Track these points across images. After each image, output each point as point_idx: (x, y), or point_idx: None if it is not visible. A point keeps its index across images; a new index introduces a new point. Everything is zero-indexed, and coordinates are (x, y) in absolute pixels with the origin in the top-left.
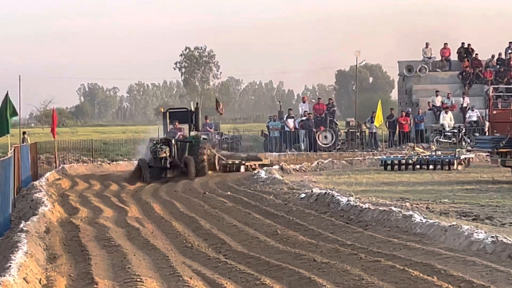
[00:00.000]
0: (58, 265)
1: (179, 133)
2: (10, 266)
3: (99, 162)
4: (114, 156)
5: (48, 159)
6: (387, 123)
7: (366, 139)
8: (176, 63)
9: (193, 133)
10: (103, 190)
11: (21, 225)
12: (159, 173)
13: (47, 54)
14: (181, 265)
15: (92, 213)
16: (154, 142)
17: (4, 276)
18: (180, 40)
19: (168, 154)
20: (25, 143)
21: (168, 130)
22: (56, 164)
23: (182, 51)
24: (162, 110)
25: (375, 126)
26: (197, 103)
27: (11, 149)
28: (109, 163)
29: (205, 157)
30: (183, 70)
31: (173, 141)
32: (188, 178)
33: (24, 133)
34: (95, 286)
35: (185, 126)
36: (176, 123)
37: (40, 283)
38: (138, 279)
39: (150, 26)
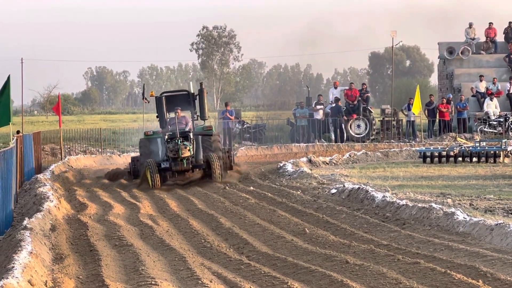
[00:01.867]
0: (65, 266)
1: (184, 124)
2: (13, 267)
3: (108, 154)
4: (124, 147)
5: (53, 150)
6: (426, 110)
7: (403, 129)
8: (192, 44)
9: (197, 122)
10: (113, 184)
11: (25, 222)
12: (173, 176)
13: (51, 35)
14: (200, 267)
15: (102, 209)
16: (168, 136)
17: (7, 278)
18: (197, 19)
19: (193, 152)
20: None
21: (167, 119)
22: (61, 155)
23: (199, 31)
24: (153, 95)
25: (413, 114)
26: (201, 83)
27: (13, 139)
28: (119, 155)
29: (224, 154)
30: (200, 51)
31: (191, 135)
32: (211, 180)
33: (18, 132)
34: None
35: (187, 114)
36: (179, 111)
37: (46, 286)
38: (153, 282)
39: (163, 3)
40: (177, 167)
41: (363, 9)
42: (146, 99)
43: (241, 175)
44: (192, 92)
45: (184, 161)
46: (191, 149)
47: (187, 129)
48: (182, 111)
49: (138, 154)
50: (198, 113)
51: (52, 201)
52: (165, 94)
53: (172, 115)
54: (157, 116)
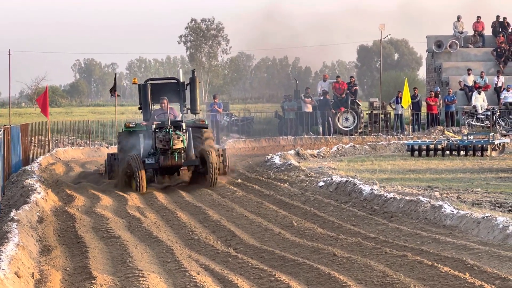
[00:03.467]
0: (52, 258)
1: (172, 117)
2: (0, 259)
3: (96, 146)
4: (112, 139)
5: (41, 142)
6: (411, 104)
7: (391, 122)
8: (180, 37)
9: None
10: (101, 176)
11: (12, 214)
12: (158, 174)
13: (39, 27)
14: (187, 259)
15: (89, 201)
16: (156, 126)
17: None
18: (185, 11)
19: (186, 144)
20: None
21: (151, 111)
22: (49, 147)
23: (188, 24)
24: (136, 82)
25: (402, 107)
26: (193, 71)
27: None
28: (107, 147)
29: (218, 156)
30: (189, 44)
31: (183, 125)
32: (203, 183)
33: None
34: (93, 281)
35: (175, 106)
36: (165, 101)
37: (33, 278)
38: (140, 274)
39: None
40: (167, 161)
41: (352, 2)
42: (113, 92)
43: (234, 179)
44: (182, 81)
45: (176, 154)
46: (185, 140)
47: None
48: (169, 102)
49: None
50: (188, 106)
51: (40, 193)
52: (150, 82)
53: (158, 106)
54: (139, 107)
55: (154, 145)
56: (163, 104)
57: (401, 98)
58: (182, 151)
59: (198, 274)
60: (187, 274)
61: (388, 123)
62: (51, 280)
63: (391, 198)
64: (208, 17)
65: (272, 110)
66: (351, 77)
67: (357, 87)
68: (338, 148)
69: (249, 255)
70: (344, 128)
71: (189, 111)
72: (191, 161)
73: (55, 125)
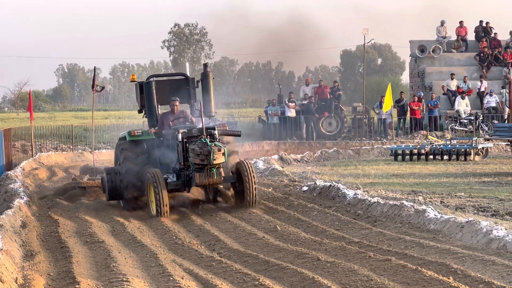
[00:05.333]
0: (35, 263)
1: (182, 120)
2: None
3: (79, 151)
4: (96, 144)
5: (24, 147)
6: (397, 108)
7: (375, 127)
8: (164, 42)
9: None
10: (83, 190)
11: None
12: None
13: (22, 32)
14: (171, 264)
15: (73, 206)
16: (182, 135)
17: None
18: (169, 16)
19: (225, 158)
20: None
21: (157, 115)
22: (32, 152)
23: (171, 28)
24: (135, 79)
25: (383, 112)
26: (205, 64)
27: None
28: (90, 152)
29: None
30: (172, 49)
31: (216, 133)
32: (240, 205)
33: None
34: (76, 286)
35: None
36: (176, 103)
37: (17, 283)
38: (124, 279)
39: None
40: (204, 179)
41: (335, 7)
42: (97, 87)
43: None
44: (192, 77)
45: (214, 170)
46: (226, 153)
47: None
48: (179, 103)
49: (108, 163)
50: (197, 106)
51: (23, 198)
52: (155, 79)
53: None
54: (139, 110)
55: (180, 159)
56: (175, 107)
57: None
58: (221, 166)
59: (182, 278)
60: (171, 278)
61: (372, 127)
62: (34, 285)
63: (374, 202)
64: (191, 22)
65: (256, 115)
66: (335, 81)
67: (340, 92)
68: (321, 153)
69: (233, 259)
70: (327, 133)
71: (201, 113)
72: (229, 177)
73: (38, 130)
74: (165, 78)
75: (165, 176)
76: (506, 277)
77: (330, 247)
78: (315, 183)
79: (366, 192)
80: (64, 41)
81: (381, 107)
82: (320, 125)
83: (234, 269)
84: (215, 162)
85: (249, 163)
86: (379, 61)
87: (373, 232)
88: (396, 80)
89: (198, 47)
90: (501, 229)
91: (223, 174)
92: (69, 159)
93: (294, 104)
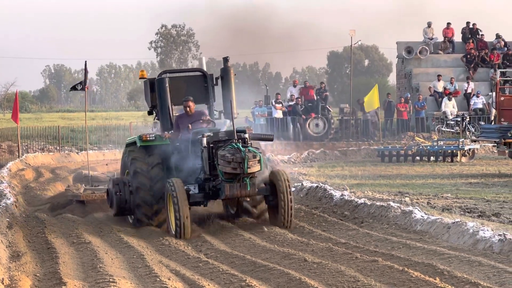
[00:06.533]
0: (22, 263)
1: (201, 121)
2: None
3: (66, 152)
4: (82, 145)
5: (10, 148)
6: (384, 109)
7: (362, 127)
8: (151, 43)
9: (219, 121)
10: (71, 181)
11: None
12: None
13: (8, 32)
14: (158, 265)
15: (50, 197)
16: (207, 139)
17: None
18: (156, 17)
19: (261, 167)
20: None
21: (172, 115)
22: (19, 153)
23: (158, 29)
24: (145, 75)
25: (366, 112)
26: (226, 59)
27: None
28: (77, 153)
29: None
30: (159, 50)
31: (247, 136)
32: (276, 223)
33: None
34: (63, 287)
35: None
36: (189, 103)
37: (3, 284)
38: (111, 280)
39: (122, 1)
40: (235, 191)
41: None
42: (82, 85)
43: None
44: (211, 73)
45: (247, 180)
46: (262, 160)
47: (224, 129)
48: (194, 103)
49: (114, 172)
50: (215, 107)
51: (9, 198)
52: (168, 75)
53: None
54: (149, 112)
55: (205, 167)
56: (187, 108)
57: (363, 104)
58: (256, 176)
59: (169, 279)
60: (158, 279)
61: (359, 128)
62: (21, 286)
63: (361, 203)
64: (179, 23)
65: (243, 116)
66: (321, 83)
67: (327, 93)
68: (308, 154)
69: (219, 260)
70: (314, 134)
71: (222, 115)
72: (262, 189)
73: (25, 130)
74: (179, 74)
75: (186, 187)
76: (492, 278)
77: (317, 248)
78: (302, 184)
79: (353, 193)
80: (51, 42)
81: (361, 109)
82: (307, 126)
83: (220, 270)
84: (249, 170)
85: (286, 173)
86: (366, 62)
87: (360, 233)
88: (383, 81)
89: (185, 48)
90: (488, 230)
91: (256, 189)
92: (56, 160)
93: (281, 105)
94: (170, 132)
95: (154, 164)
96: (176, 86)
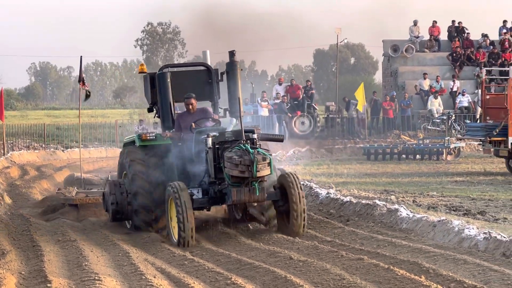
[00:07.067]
0: (7, 261)
1: (205, 120)
2: None
3: (52, 149)
4: (68, 143)
5: None
6: (370, 107)
7: (348, 126)
8: (137, 40)
9: (225, 120)
10: (57, 179)
11: None
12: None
13: None
14: (144, 263)
15: (45, 205)
16: (213, 140)
17: None
18: (142, 15)
19: (271, 170)
20: None
21: (173, 113)
22: (4, 151)
23: (144, 27)
24: (145, 70)
25: (357, 111)
26: (232, 52)
27: None
28: (63, 150)
29: None
30: (145, 48)
31: (256, 137)
32: (288, 231)
33: None
34: (48, 285)
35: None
36: (192, 101)
37: None
38: (96, 278)
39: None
40: (243, 196)
41: (308, 6)
42: (83, 84)
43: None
44: (215, 68)
45: (256, 185)
46: (272, 163)
47: (230, 129)
48: (196, 101)
49: (110, 175)
50: (219, 104)
51: None
52: (170, 70)
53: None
54: (149, 109)
55: (210, 170)
56: (190, 106)
57: (349, 102)
58: (265, 180)
59: (155, 277)
60: (143, 277)
61: (345, 127)
62: (6, 284)
63: (347, 201)
64: (164, 21)
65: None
66: (307, 81)
67: (313, 91)
68: (294, 152)
69: (205, 258)
70: (300, 132)
71: (227, 112)
72: (271, 194)
73: (10, 128)
74: (182, 69)
75: (189, 191)
76: (477, 276)
77: (303, 246)
78: None
79: (338, 191)
80: (37, 40)
81: (347, 108)
82: (293, 124)
83: (206, 268)
84: (258, 174)
85: (297, 177)
86: (352, 60)
87: (346, 231)
88: (369, 79)
89: (171, 45)
90: (473, 228)
91: (266, 194)
92: (41, 157)
93: (267, 103)
94: (171, 131)
95: (154, 167)
96: (178, 81)
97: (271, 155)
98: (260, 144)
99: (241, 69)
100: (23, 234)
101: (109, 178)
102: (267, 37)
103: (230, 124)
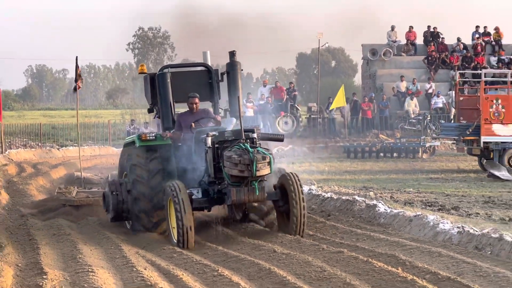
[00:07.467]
0: (4, 254)
1: (206, 120)
2: None
3: (48, 148)
4: (63, 141)
5: None
6: (350, 108)
7: (329, 125)
8: (128, 44)
9: (225, 120)
10: (52, 176)
11: None
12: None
13: None
14: (135, 255)
15: (42, 200)
16: (212, 139)
17: None
18: (133, 20)
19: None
20: None
21: (173, 114)
22: (2, 149)
23: (135, 32)
24: (145, 70)
25: (331, 111)
26: (232, 53)
27: None
28: (58, 149)
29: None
30: (136, 51)
31: (256, 136)
32: (286, 230)
33: None
34: (44, 276)
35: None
36: (196, 100)
37: None
38: (90, 269)
39: (101, 4)
40: (242, 196)
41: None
42: (80, 80)
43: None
44: (216, 68)
45: (256, 184)
46: (272, 162)
47: (229, 129)
48: (199, 100)
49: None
50: (220, 105)
51: None
52: (171, 70)
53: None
54: (149, 109)
55: (210, 170)
56: (193, 105)
57: (331, 103)
58: (265, 180)
59: (145, 269)
60: (134, 269)
61: (326, 126)
62: (3, 275)
63: (328, 197)
64: (155, 26)
65: None
66: (290, 83)
67: (296, 93)
68: (278, 150)
69: (193, 251)
70: (283, 131)
71: (227, 113)
72: (271, 194)
73: (8, 127)
74: (182, 69)
75: (188, 191)
76: (451, 267)
77: (286, 240)
78: None
79: (320, 188)
80: (34, 44)
81: (328, 107)
82: (277, 124)
83: (194, 260)
84: (258, 173)
85: (297, 177)
86: (333, 63)
87: (327, 225)
88: (349, 81)
89: (161, 49)
90: (447, 223)
91: (265, 194)
92: (38, 155)
93: (252, 104)
94: (171, 131)
95: (155, 172)
96: (179, 81)
97: (271, 154)
98: (260, 144)
99: (242, 70)
100: (20, 228)
101: (109, 178)
102: (253, 42)
103: (229, 124)
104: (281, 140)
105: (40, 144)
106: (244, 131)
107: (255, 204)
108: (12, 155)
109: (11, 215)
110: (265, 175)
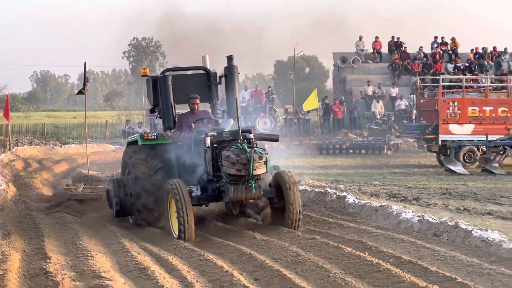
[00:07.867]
0: (12, 241)
1: (205, 121)
2: None
3: (51, 145)
4: (65, 139)
5: (2, 142)
6: (322, 109)
7: (303, 125)
8: (124, 52)
9: (223, 121)
10: (55, 170)
11: None
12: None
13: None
14: (129, 242)
15: (46, 192)
16: (211, 139)
17: None
18: (129, 29)
19: (267, 168)
20: None
21: (174, 114)
22: (10, 146)
23: (130, 41)
24: (148, 73)
25: (305, 111)
26: (230, 57)
27: None
28: (60, 146)
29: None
30: (131, 59)
31: (252, 136)
32: (285, 224)
33: None
34: (47, 260)
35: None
36: (197, 101)
37: None
38: (89, 254)
39: (101, 14)
40: (240, 194)
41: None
42: (86, 84)
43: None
44: (214, 71)
45: (252, 183)
46: (268, 162)
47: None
48: (200, 101)
49: (113, 173)
50: (219, 106)
51: (1, 185)
52: (172, 73)
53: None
54: (151, 110)
55: (209, 168)
56: (195, 106)
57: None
58: (261, 178)
59: (139, 254)
60: (129, 254)
61: (301, 126)
62: (11, 259)
63: (302, 190)
64: (148, 36)
65: None
66: (269, 87)
67: (274, 96)
68: None
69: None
70: (263, 131)
71: (225, 114)
72: (266, 191)
73: (15, 127)
74: (182, 72)
75: (188, 188)
76: (412, 252)
77: (265, 228)
78: None
79: None
80: (38, 51)
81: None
82: (257, 124)
83: (182, 246)
84: (255, 172)
85: (292, 174)
86: (307, 70)
87: (301, 215)
88: (322, 86)
89: (154, 57)
90: (409, 212)
91: (262, 192)
92: (42, 152)
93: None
94: (172, 131)
95: (156, 169)
96: (179, 84)
97: (267, 154)
98: (256, 144)
99: (239, 73)
100: (26, 217)
101: (114, 176)
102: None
103: (227, 125)
104: (276, 140)
105: (44, 142)
106: (242, 132)
107: (251, 200)
108: (19, 151)
109: (18, 205)
110: (262, 174)
